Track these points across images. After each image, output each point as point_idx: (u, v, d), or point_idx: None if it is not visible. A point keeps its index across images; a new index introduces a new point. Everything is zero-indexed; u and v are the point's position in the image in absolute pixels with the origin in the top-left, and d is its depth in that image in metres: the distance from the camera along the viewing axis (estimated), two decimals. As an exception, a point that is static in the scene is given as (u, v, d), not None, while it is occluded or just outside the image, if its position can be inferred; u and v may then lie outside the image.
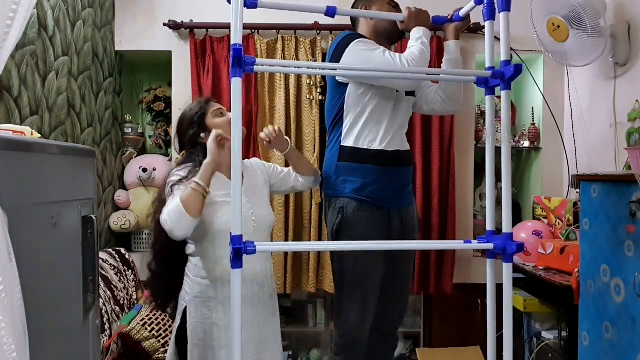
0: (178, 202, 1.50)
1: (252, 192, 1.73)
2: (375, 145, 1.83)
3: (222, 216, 1.60)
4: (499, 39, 1.55)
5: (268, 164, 1.88)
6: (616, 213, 1.63)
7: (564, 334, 2.13)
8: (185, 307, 1.63)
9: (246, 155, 2.64)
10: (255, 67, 1.36)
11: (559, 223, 2.49)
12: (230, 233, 1.34)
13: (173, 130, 2.89)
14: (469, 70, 1.83)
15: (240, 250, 1.33)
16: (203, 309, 1.61)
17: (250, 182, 1.75)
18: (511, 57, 1.65)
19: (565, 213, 2.46)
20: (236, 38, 1.36)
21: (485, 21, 1.60)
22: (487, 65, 1.61)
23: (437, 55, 2.78)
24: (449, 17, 1.88)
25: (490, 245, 1.50)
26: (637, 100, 2.17)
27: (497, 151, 1.62)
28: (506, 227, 1.51)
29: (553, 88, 2.90)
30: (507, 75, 1.50)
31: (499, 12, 1.51)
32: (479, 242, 1.56)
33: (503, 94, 1.53)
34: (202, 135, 1.69)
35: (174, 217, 1.50)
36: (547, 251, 2.20)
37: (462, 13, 1.83)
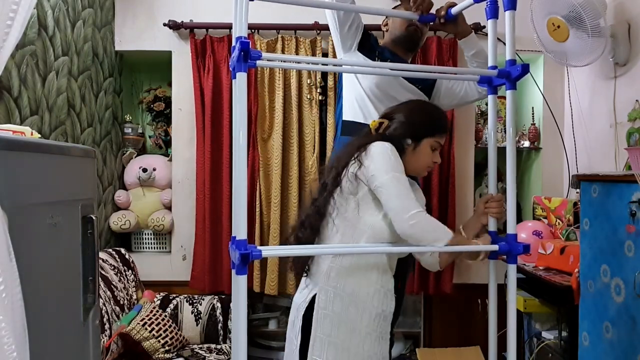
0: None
1: None
2: None
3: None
4: (499, 39, 1.55)
5: None
6: (616, 213, 1.63)
7: (564, 334, 2.13)
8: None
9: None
10: (259, 61, 1.30)
11: (559, 223, 2.49)
12: (234, 237, 1.28)
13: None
14: (474, 69, 1.81)
15: (247, 255, 1.22)
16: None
17: None
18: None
19: (565, 213, 2.46)
20: (241, 31, 1.31)
21: (487, 19, 1.59)
22: (490, 64, 1.60)
23: (437, 56, 2.78)
24: (442, 14, 1.81)
25: (495, 247, 1.49)
26: (637, 100, 2.17)
27: (498, 151, 1.62)
28: (511, 228, 1.51)
29: (553, 88, 2.90)
30: (513, 75, 1.49)
31: (505, 10, 1.49)
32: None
33: (508, 93, 1.52)
34: (409, 142, 1.53)
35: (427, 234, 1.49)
36: (547, 251, 2.19)
37: (454, 11, 1.77)
